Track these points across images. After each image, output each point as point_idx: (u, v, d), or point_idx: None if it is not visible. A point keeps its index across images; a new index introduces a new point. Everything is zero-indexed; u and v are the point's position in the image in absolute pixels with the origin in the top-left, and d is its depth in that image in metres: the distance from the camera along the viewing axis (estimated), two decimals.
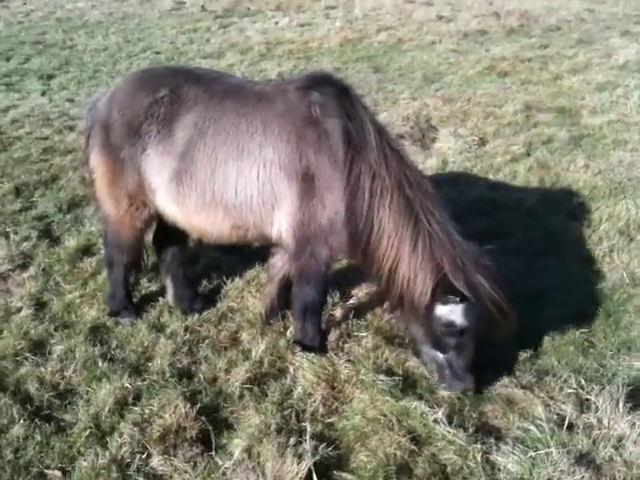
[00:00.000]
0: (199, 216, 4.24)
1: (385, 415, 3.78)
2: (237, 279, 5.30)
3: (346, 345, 4.46)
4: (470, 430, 3.70)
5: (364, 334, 4.56)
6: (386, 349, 4.36)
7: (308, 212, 4.01)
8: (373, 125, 4.05)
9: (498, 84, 10.61)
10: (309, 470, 3.40)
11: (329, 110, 4.00)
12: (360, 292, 5.08)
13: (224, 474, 3.48)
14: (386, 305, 4.46)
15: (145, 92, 4.26)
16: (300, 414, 3.89)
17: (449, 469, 3.51)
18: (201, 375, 4.24)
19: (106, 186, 4.45)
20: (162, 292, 5.15)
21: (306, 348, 4.34)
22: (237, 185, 4.08)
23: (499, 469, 3.50)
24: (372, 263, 4.03)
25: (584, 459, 3.48)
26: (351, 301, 5.00)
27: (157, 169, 4.21)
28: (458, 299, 3.78)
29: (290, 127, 4.01)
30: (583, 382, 4.05)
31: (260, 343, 4.46)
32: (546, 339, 4.52)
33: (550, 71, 11.28)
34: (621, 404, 3.77)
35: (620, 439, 3.61)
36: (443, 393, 4.03)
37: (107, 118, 4.34)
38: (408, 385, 4.07)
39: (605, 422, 3.71)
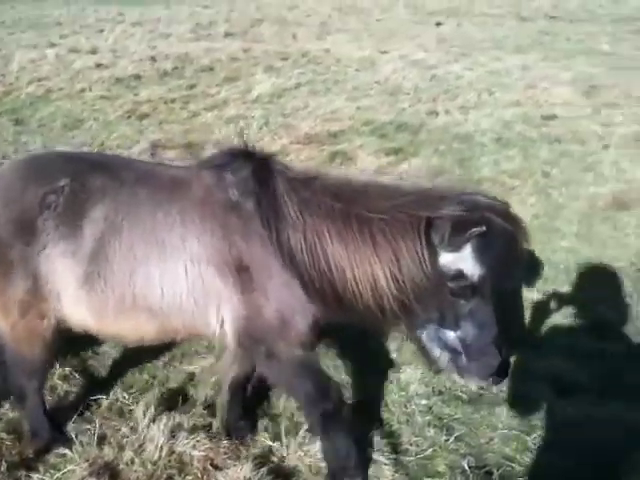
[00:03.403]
0: (118, 323, 3.60)
1: None
2: None
3: None
4: None
5: None
6: None
7: (252, 307, 3.47)
8: (286, 184, 3.49)
9: (135, 126, 11.02)
10: None
11: (247, 190, 3.51)
12: None
13: None
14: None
15: (39, 182, 3.51)
16: None
17: None
18: None
19: None
20: None
21: None
22: (162, 285, 3.49)
23: None
24: (354, 303, 3.31)
25: None
26: None
27: (61, 272, 3.49)
28: (465, 230, 2.92)
29: (211, 216, 3.50)
30: None
31: None
32: None
33: (189, 109, 12.06)
34: None
35: None
36: None
37: None
38: None
39: None
